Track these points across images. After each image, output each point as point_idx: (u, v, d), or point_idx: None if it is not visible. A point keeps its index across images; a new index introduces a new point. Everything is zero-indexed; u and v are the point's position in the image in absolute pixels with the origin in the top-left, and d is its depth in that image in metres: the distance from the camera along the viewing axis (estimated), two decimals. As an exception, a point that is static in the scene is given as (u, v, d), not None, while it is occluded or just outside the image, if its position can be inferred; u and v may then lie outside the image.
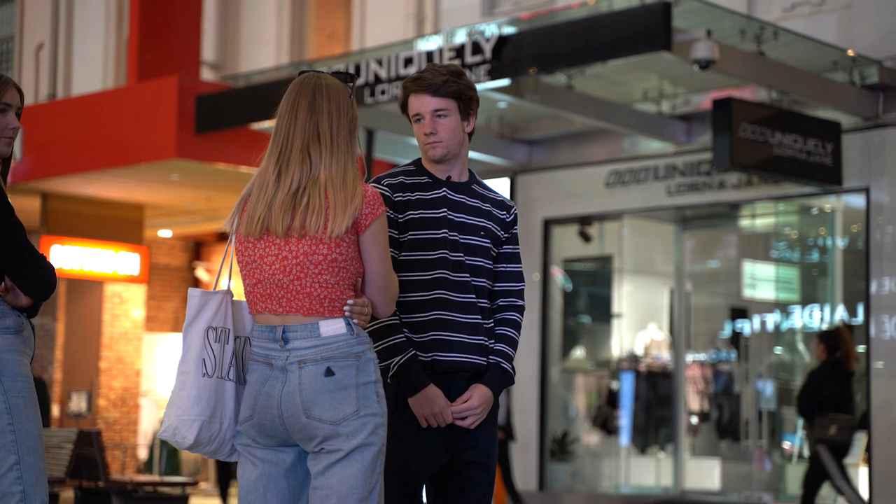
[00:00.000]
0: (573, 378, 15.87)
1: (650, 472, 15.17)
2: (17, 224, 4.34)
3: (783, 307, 14.63)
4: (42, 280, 4.37)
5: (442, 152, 4.37)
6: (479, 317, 4.38)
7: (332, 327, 3.77)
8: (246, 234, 3.84)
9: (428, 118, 4.35)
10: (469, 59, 11.50)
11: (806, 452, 13.82)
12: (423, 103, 4.35)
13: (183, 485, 12.07)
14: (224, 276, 4.00)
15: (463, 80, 4.39)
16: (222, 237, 20.52)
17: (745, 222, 15.33)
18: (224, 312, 3.90)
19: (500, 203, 4.52)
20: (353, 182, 3.79)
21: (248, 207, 3.84)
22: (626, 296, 15.40)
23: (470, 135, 4.46)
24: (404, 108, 4.44)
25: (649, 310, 15.77)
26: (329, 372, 3.74)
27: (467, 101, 4.39)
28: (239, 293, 3.96)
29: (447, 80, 4.34)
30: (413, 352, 4.24)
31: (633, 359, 15.49)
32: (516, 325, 4.48)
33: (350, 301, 3.81)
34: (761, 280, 15.11)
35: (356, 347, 3.78)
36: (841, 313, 13.86)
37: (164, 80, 15.00)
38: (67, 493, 12.08)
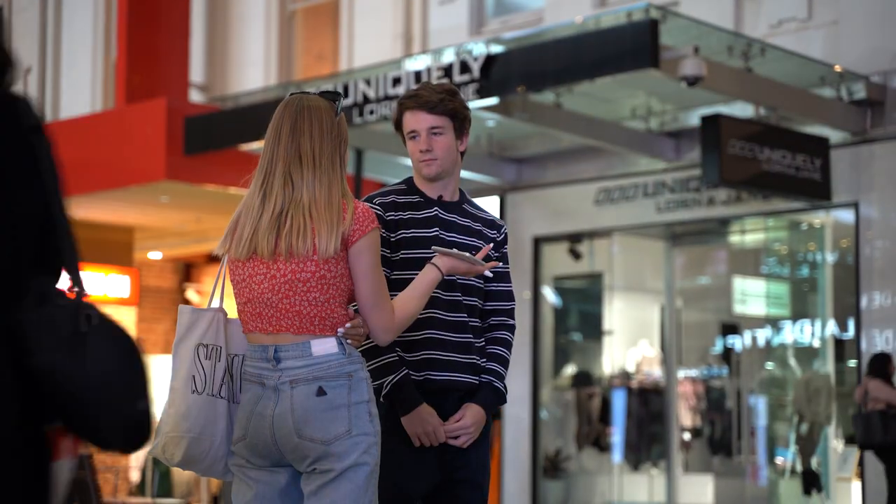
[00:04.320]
0: (565, 396, 15.87)
1: (643, 488, 15.15)
2: None
3: (774, 323, 14.64)
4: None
5: (437, 170, 4.37)
6: (471, 336, 4.38)
7: (324, 346, 3.76)
8: (235, 257, 3.84)
9: (424, 135, 4.35)
10: (457, 78, 11.51)
11: (799, 467, 13.83)
12: (418, 120, 4.36)
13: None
14: (216, 295, 3.99)
15: (458, 99, 4.40)
16: (213, 259, 20.49)
17: (734, 238, 15.35)
18: (215, 330, 3.89)
19: (490, 222, 4.53)
20: (339, 200, 3.78)
21: (237, 230, 3.85)
22: (616, 313, 15.41)
23: (462, 154, 4.47)
24: (398, 125, 4.44)
25: (640, 327, 15.78)
26: (321, 392, 3.73)
27: (461, 121, 4.41)
28: (234, 312, 3.96)
29: (443, 99, 4.35)
30: (405, 371, 4.24)
31: (625, 376, 15.48)
32: (507, 344, 4.48)
33: (348, 324, 3.81)
34: (752, 296, 15.12)
35: (348, 367, 3.77)
36: (832, 328, 13.88)
37: (153, 102, 15.00)
38: (59, 517, 12.02)
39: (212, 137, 14.19)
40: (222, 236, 3.90)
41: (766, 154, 11.80)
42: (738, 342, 15.09)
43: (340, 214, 3.75)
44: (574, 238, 15.09)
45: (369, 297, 3.82)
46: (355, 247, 3.77)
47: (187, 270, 21.21)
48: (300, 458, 3.76)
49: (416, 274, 4.25)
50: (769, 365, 14.74)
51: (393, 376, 4.21)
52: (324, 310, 3.77)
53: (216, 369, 3.88)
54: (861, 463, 12.54)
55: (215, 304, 3.97)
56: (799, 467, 13.89)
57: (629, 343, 15.64)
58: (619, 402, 15.44)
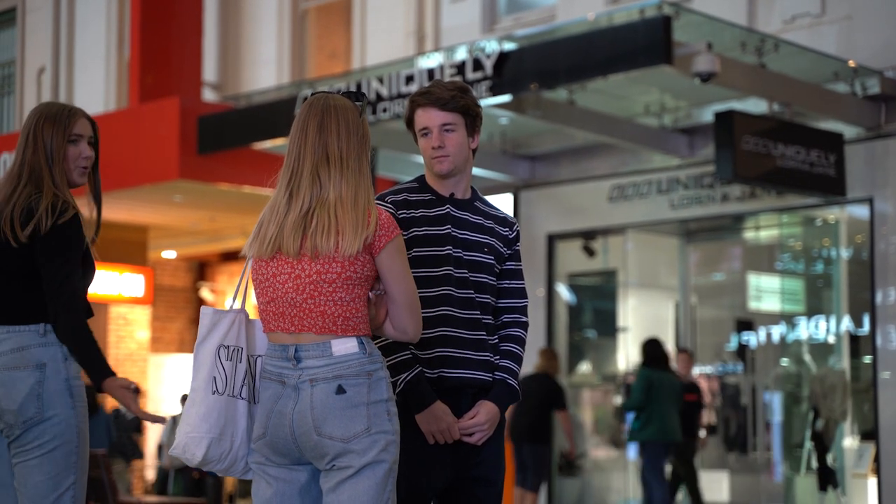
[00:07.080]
0: (580, 393, 15.86)
1: (658, 486, 15.11)
2: (76, 266, 4.44)
3: (789, 319, 14.61)
4: (71, 331, 4.44)
5: (449, 167, 4.36)
6: (484, 333, 4.37)
7: (345, 346, 3.77)
8: (258, 255, 3.84)
9: (436, 132, 4.34)
10: (470, 75, 11.51)
11: (815, 463, 13.81)
12: (430, 117, 4.35)
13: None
14: (239, 296, 4.01)
15: (469, 96, 4.39)
16: (226, 257, 20.53)
17: (749, 234, 15.33)
18: (237, 331, 3.91)
19: (502, 220, 4.52)
20: (366, 203, 3.78)
21: (262, 229, 3.85)
22: (631, 310, 15.39)
23: (474, 152, 4.46)
24: (410, 122, 4.44)
25: (655, 323, 15.75)
26: (340, 390, 3.73)
27: (473, 118, 4.40)
28: (255, 313, 3.97)
29: (455, 96, 4.34)
30: (419, 368, 4.23)
31: (640, 373, 15.45)
32: (520, 342, 4.47)
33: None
34: (766, 292, 15.10)
35: (368, 366, 3.78)
36: (847, 324, 13.84)
37: (166, 101, 15.02)
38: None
39: (225, 136, 14.21)
40: (249, 237, 3.91)
41: (780, 150, 11.77)
42: (752, 339, 15.06)
43: (366, 218, 3.75)
44: (588, 235, 15.08)
45: (405, 297, 3.85)
46: (384, 253, 3.78)
47: (201, 269, 21.25)
48: (319, 455, 3.76)
49: (428, 272, 4.26)
50: (784, 361, 14.71)
51: (407, 374, 4.21)
52: (348, 310, 3.78)
53: (237, 370, 3.91)
54: (877, 459, 12.52)
55: (237, 303, 3.99)
56: (815, 463, 13.86)
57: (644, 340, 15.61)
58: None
